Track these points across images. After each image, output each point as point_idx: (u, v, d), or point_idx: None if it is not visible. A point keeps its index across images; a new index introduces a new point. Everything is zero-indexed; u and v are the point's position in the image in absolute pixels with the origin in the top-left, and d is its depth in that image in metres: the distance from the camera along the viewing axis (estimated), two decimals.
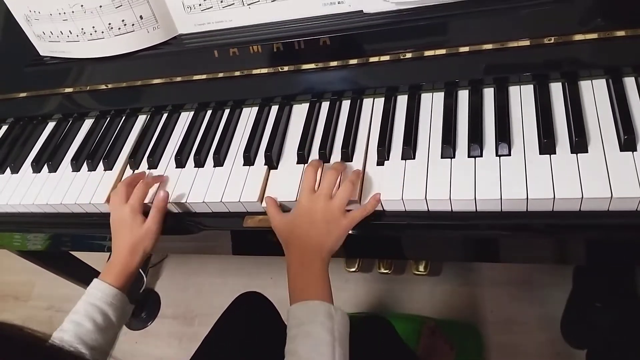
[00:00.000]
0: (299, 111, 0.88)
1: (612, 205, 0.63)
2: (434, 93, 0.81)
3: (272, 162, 0.82)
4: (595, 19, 0.69)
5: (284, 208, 0.78)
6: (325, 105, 0.87)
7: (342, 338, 0.64)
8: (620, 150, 0.66)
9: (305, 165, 0.80)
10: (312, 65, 0.83)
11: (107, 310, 0.74)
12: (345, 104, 0.86)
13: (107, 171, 0.91)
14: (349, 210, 0.72)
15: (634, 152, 0.65)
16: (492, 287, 1.38)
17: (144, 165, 0.91)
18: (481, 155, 0.71)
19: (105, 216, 0.84)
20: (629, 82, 0.72)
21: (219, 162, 0.85)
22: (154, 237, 0.80)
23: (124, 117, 0.99)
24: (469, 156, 0.72)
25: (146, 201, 0.82)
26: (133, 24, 0.84)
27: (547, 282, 1.34)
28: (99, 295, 0.75)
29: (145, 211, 0.81)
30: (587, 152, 0.67)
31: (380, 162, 0.76)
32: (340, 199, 0.71)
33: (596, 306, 1.21)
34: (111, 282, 0.76)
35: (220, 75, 0.88)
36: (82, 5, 0.82)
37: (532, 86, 0.76)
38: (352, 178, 0.73)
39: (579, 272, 1.29)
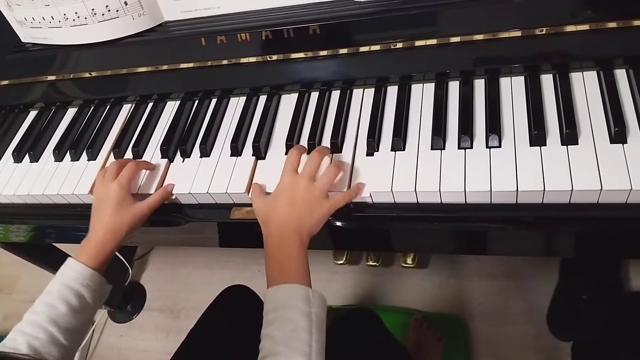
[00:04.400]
0: (288, 101, 0.87)
1: (601, 198, 0.63)
2: (425, 84, 0.80)
3: (260, 153, 0.81)
4: (586, 10, 0.69)
5: None
6: (314, 96, 0.86)
7: (320, 322, 0.62)
8: (611, 143, 0.66)
9: None
10: (301, 55, 0.81)
11: (82, 292, 0.71)
12: (335, 95, 0.85)
13: (90, 161, 0.90)
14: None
15: (624, 145, 0.65)
16: (479, 280, 1.39)
17: (128, 155, 0.89)
18: (471, 147, 0.71)
19: (90, 207, 0.82)
20: (620, 74, 0.72)
21: (205, 152, 0.84)
22: (142, 221, 0.77)
23: (108, 106, 0.97)
24: (459, 148, 0.71)
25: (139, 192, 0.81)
26: (117, 10, 0.82)
27: (534, 274, 1.35)
28: (74, 276, 0.71)
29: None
30: (577, 144, 0.66)
31: (369, 153, 0.76)
32: (323, 181, 0.70)
33: (582, 298, 1.22)
34: (87, 262, 0.72)
35: (208, 63, 0.86)
36: None
37: (523, 78, 0.76)
38: (337, 162, 0.72)
39: (565, 265, 1.30)
